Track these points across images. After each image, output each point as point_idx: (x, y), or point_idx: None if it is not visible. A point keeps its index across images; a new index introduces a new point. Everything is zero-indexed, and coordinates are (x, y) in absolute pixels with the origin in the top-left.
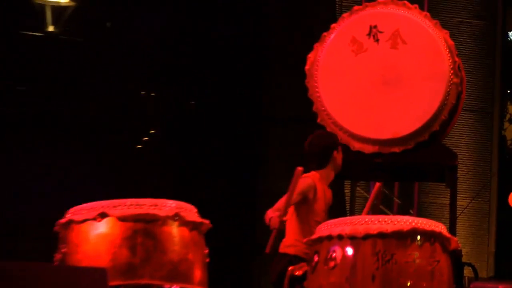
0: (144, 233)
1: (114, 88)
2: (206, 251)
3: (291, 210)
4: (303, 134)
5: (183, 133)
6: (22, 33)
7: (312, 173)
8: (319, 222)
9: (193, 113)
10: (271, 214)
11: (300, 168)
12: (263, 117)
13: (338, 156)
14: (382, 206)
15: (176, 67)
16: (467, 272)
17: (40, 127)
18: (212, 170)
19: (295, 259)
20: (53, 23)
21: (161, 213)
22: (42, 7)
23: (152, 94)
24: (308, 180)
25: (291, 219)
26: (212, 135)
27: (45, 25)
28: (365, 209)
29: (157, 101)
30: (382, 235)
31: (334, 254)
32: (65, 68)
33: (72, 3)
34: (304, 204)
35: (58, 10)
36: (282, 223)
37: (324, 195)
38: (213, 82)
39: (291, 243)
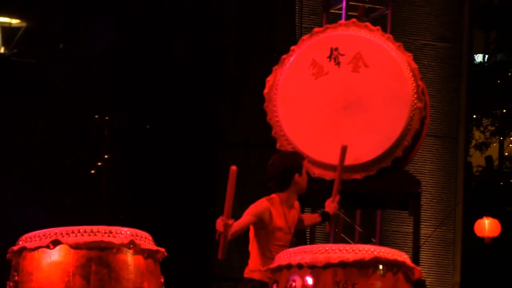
0: (98, 261)
1: (67, 111)
2: (162, 279)
3: (251, 235)
4: (261, 159)
5: (138, 158)
6: None
7: (272, 195)
8: (281, 246)
9: (148, 137)
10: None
11: (234, 167)
12: (220, 142)
13: (300, 179)
14: (343, 235)
15: (130, 90)
16: None
17: None
18: (168, 197)
19: (260, 285)
20: (4, 44)
21: (116, 240)
22: None
23: (106, 117)
24: (263, 204)
25: (252, 244)
26: (168, 160)
27: None
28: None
29: (111, 124)
30: (343, 264)
31: (293, 284)
32: (16, 90)
33: (23, 24)
34: (262, 229)
35: (9, 31)
36: (227, 226)
37: (284, 218)
38: (169, 105)
39: (255, 268)
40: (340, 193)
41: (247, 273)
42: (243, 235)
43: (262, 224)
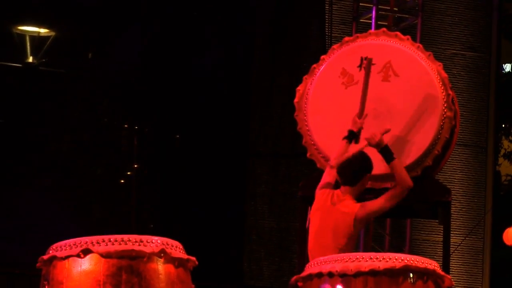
0: (128, 270)
1: (96, 120)
2: None
3: (348, 232)
4: (290, 169)
5: (168, 168)
6: (1, 64)
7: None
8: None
9: (178, 147)
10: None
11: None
12: (249, 152)
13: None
14: (373, 244)
15: (161, 101)
16: None
17: (19, 160)
18: (198, 206)
19: None
20: (32, 54)
21: (147, 249)
22: (22, 37)
23: (136, 127)
24: None
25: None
26: (197, 170)
27: (24, 56)
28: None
29: (141, 134)
30: (374, 273)
31: None
32: (45, 100)
33: (51, 33)
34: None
35: (38, 40)
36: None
37: None
38: (198, 115)
39: None
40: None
41: None
42: (270, 244)
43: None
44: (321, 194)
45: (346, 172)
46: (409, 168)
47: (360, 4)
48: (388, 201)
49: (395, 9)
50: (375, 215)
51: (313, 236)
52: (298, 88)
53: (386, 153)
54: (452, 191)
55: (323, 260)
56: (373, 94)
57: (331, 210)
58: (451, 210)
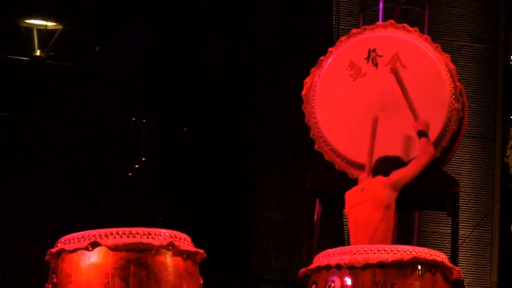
0: (137, 262)
1: (104, 113)
2: (201, 281)
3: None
4: (297, 162)
5: (176, 161)
6: (9, 57)
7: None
8: None
9: (185, 140)
10: None
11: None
12: (255, 145)
13: None
14: None
15: (167, 94)
16: None
17: (27, 153)
18: (205, 199)
19: None
20: (40, 47)
21: (155, 242)
22: (29, 31)
23: (144, 120)
24: None
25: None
26: (204, 162)
27: (32, 49)
28: None
29: (148, 127)
30: (382, 265)
31: (332, 284)
32: (52, 93)
33: (58, 27)
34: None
35: (45, 34)
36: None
37: None
38: (204, 108)
39: None
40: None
41: None
42: (278, 237)
43: None
44: (350, 193)
45: (382, 167)
46: None
47: None
48: (414, 167)
49: (402, 1)
50: (405, 179)
51: (352, 230)
52: (306, 80)
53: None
54: (460, 183)
55: (331, 252)
56: (381, 86)
57: (362, 195)
58: (459, 202)
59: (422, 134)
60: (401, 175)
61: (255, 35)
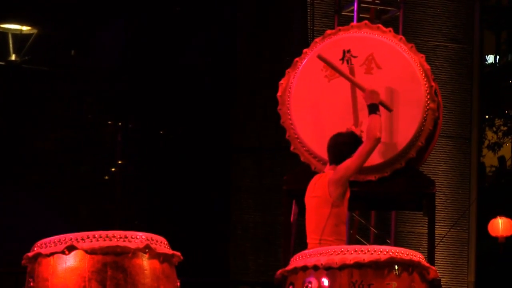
0: (114, 266)
1: (80, 117)
2: (178, 283)
3: (326, 212)
4: (274, 162)
5: (152, 163)
6: None
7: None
8: None
9: (161, 142)
10: None
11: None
12: (233, 146)
13: None
14: (358, 236)
15: (143, 96)
16: None
17: (3, 157)
18: (182, 201)
19: None
20: (15, 52)
21: (131, 245)
22: (4, 35)
23: (119, 123)
24: None
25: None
26: (181, 165)
27: (7, 54)
28: None
29: (124, 130)
30: (359, 265)
31: (310, 285)
32: (27, 97)
33: (34, 31)
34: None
35: (20, 38)
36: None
37: None
38: (181, 110)
39: None
40: (354, 193)
41: None
42: (256, 238)
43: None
44: (310, 183)
45: (335, 151)
46: (393, 160)
47: None
48: (358, 157)
49: (377, 1)
50: (349, 173)
51: (307, 219)
52: (281, 81)
53: (374, 107)
54: (437, 183)
55: (308, 253)
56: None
57: (315, 189)
58: (436, 202)
59: (372, 108)
60: (343, 170)
61: (233, 36)
